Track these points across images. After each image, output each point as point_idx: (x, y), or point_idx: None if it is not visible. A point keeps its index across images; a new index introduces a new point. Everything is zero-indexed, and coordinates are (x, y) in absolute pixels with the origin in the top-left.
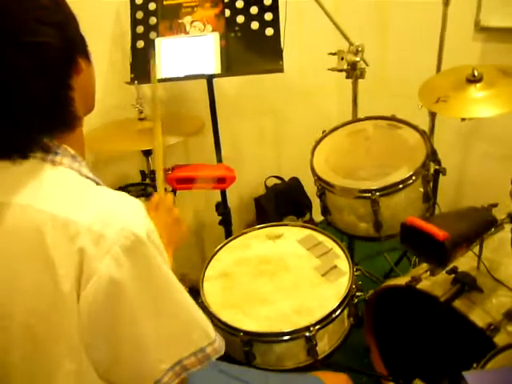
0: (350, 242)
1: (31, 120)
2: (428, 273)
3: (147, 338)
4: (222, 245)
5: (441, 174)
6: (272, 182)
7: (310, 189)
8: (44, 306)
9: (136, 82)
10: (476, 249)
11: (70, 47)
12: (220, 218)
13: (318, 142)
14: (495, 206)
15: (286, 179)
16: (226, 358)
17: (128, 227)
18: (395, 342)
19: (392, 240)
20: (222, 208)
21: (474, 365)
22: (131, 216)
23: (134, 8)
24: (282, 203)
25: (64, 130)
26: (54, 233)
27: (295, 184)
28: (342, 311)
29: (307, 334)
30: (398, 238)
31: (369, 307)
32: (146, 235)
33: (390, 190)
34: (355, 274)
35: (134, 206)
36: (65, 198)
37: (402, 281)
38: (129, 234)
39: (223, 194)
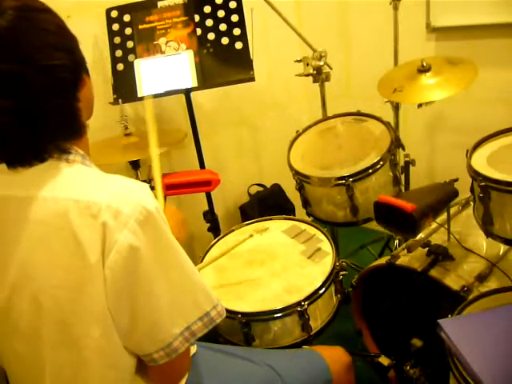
0: (333, 238)
1: (47, 131)
2: (405, 250)
3: (161, 301)
4: (212, 243)
5: (411, 165)
6: (255, 189)
7: (292, 193)
8: (74, 279)
9: (120, 101)
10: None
11: (77, 66)
12: (208, 225)
13: (292, 141)
14: (456, 180)
15: (268, 186)
16: (227, 342)
17: (141, 204)
18: (384, 320)
19: (373, 233)
20: (210, 215)
21: (450, 315)
22: (142, 194)
23: (112, 34)
24: (266, 209)
25: (74, 137)
26: (78, 214)
27: (277, 190)
28: (329, 286)
29: (299, 308)
30: (378, 230)
31: (356, 291)
32: (156, 210)
33: (361, 175)
34: (342, 274)
35: (142, 186)
36: (83, 185)
37: (382, 261)
38: (142, 209)
39: (209, 201)
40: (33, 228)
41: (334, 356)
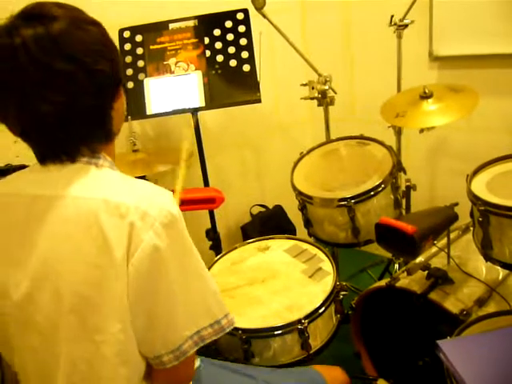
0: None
1: (82, 130)
2: (405, 273)
3: (177, 303)
4: (215, 260)
5: (412, 190)
6: (257, 210)
7: (294, 215)
8: (98, 275)
9: (129, 118)
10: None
11: (117, 77)
12: (210, 243)
13: (296, 163)
14: (456, 204)
15: (270, 207)
16: (227, 359)
17: (166, 207)
18: (382, 343)
19: (373, 257)
20: (212, 233)
21: (448, 337)
22: (167, 199)
23: (124, 53)
24: (268, 229)
25: (103, 143)
26: (106, 213)
27: (279, 211)
28: (329, 305)
29: (299, 326)
30: (378, 254)
31: (356, 313)
32: (179, 215)
33: (363, 197)
34: (342, 294)
35: (168, 192)
36: (112, 187)
37: (382, 283)
38: (167, 212)
39: (212, 220)
40: (60, 224)
41: (333, 376)
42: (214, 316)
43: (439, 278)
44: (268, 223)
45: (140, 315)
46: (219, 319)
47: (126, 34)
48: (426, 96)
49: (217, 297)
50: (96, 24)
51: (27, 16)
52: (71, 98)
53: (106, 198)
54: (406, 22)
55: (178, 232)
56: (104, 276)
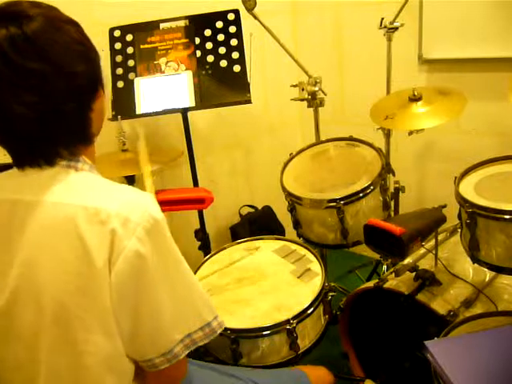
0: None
1: (59, 132)
2: (393, 274)
3: (164, 308)
4: (204, 260)
5: (400, 192)
6: (246, 210)
7: (283, 216)
8: (79, 283)
9: (119, 117)
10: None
11: (96, 77)
12: (199, 243)
13: (286, 164)
14: (444, 206)
15: (259, 207)
16: (215, 360)
17: (148, 212)
18: (370, 344)
19: (362, 258)
20: (201, 234)
21: (435, 338)
22: (149, 204)
23: (114, 52)
24: (257, 230)
25: (83, 145)
26: (86, 220)
27: (268, 212)
28: (318, 306)
29: (288, 326)
30: (367, 255)
31: (344, 314)
32: (162, 219)
33: (352, 198)
34: (330, 294)
35: (149, 196)
36: (92, 192)
37: (370, 284)
38: (149, 217)
39: (201, 220)
40: (38, 232)
41: (318, 376)
42: (204, 319)
43: (427, 280)
44: (257, 224)
45: (125, 322)
46: (209, 322)
47: (117, 33)
48: (415, 98)
49: (205, 299)
50: (73, 23)
51: (1, 16)
52: (46, 100)
53: (85, 203)
54: (395, 24)
55: (162, 236)
56: (85, 285)
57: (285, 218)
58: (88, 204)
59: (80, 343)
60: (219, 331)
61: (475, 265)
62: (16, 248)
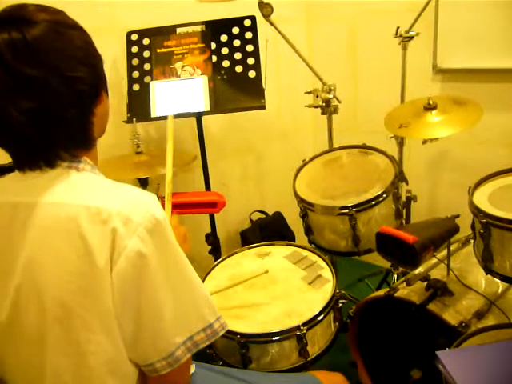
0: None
1: (59, 137)
2: (404, 284)
3: (165, 309)
4: (215, 264)
5: (412, 201)
6: (257, 216)
7: (293, 222)
8: (81, 283)
9: (134, 119)
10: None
11: (98, 82)
12: (209, 247)
13: (299, 170)
14: (457, 216)
15: (270, 213)
16: (224, 364)
17: (150, 212)
18: (379, 353)
19: (372, 267)
20: (212, 238)
21: (447, 349)
22: (151, 204)
23: (130, 55)
24: (267, 236)
25: (83, 148)
26: (88, 219)
27: (279, 218)
28: (328, 313)
29: (298, 333)
30: (377, 264)
31: (353, 322)
32: (163, 219)
33: (365, 205)
34: (341, 302)
35: (152, 196)
36: (93, 192)
37: (381, 292)
38: (151, 217)
39: (212, 224)
40: (40, 232)
41: (334, 382)
42: (206, 320)
43: (438, 290)
44: (267, 230)
45: (127, 323)
46: (211, 323)
47: (134, 37)
48: (430, 107)
49: (207, 300)
50: (78, 28)
51: (4, 19)
52: (46, 106)
53: (86, 203)
54: (411, 33)
55: (163, 237)
56: (87, 284)
57: (295, 224)
58: (90, 203)
59: (82, 343)
60: (221, 333)
61: (488, 276)
62: (18, 249)
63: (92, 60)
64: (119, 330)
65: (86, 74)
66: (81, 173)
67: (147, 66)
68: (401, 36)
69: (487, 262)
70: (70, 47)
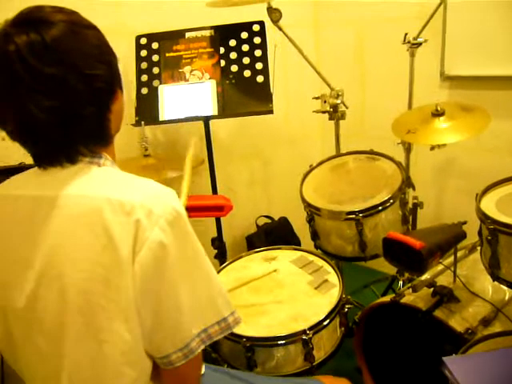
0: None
1: (78, 134)
2: (410, 290)
3: (183, 300)
4: (221, 268)
5: (419, 208)
6: (262, 221)
7: (299, 228)
8: (103, 272)
9: (143, 122)
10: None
11: (114, 80)
12: (215, 252)
13: (306, 175)
14: (464, 223)
15: (276, 218)
16: (229, 367)
17: (170, 204)
18: (384, 359)
19: (377, 274)
20: (218, 242)
21: (453, 355)
22: (171, 197)
23: (139, 59)
24: (272, 241)
25: (102, 145)
26: (111, 211)
27: (284, 223)
28: (334, 317)
29: (304, 337)
30: (382, 271)
31: (359, 328)
32: (183, 212)
33: (372, 211)
34: (347, 307)
35: (172, 190)
36: (115, 185)
37: (387, 298)
38: (172, 210)
39: (219, 229)
40: (63, 224)
41: None
42: (221, 314)
43: (445, 296)
44: (273, 235)
45: (147, 313)
46: (226, 317)
47: (143, 41)
48: (437, 114)
49: (223, 294)
50: (93, 28)
51: (22, 21)
52: (66, 104)
53: (109, 196)
54: (419, 40)
55: (183, 228)
56: (109, 274)
57: (301, 230)
58: (113, 196)
59: (102, 332)
60: (234, 327)
61: (495, 283)
62: (39, 240)
63: (107, 58)
64: (139, 321)
65: (103, 72)
66: (102, 168)
67: (156, 70)
68: (409, 42)
69: (494, 269)
70: (87, 46)
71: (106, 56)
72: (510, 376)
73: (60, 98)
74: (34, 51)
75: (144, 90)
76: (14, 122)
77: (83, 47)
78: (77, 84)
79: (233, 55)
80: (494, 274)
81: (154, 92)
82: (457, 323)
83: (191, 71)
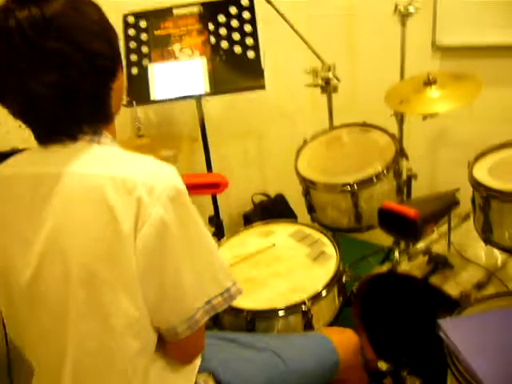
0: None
1: (80, 112)
2: (406, 259)
3: (186, 275)
4: (219, 243)
5: (413, 179)
6: (259, 198)
7: (295, 204)
8: (106, 248)
9: (134, 103)
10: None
11: (115, 56)
12: (213, 230)
13: (300, 149)
14: (457, 190)
15: (272, 195)
16: None
17: (171, 182)
18: (382, 327)
19: (374, 246)
20: (215, 220)
21: (448, 317)
22: (172, 174)
23: (128, 38)
24: (269, 218)
25: (103, 123)
26: (113, 189)
27: (280, 200)
28: (332, 288)
29: (303, 308)
30: (378, 243)
31: (356, 298)
32: (184, 189)
33: (366, 182)
34: (345, 277)
35: (171, 168)
36: (116, 163)
37: (384, 268)
38: (172, 187)
39: (215, 208)
40: (66, 201)
41: (342, 338)
42: (223, 285)
43: (439, 263)
44: (270, 212)
45: (150, 288)
46: (228, 287)
47: (131, 20)
48: (429, 83)
49: (224, 266)
50: (92, 4)
51: None
52: (67, 79)
53: (111, 173)
54: (410, 9)
55: (184, 205)
56: (112, 250)
57: (297, 206)
58: (114, 174)
59: (106, 306)
60: (237, 297)
61: (487, 249)
62: (42, 217)
63: (108, 34)
64: (143, 295)
65: (104, 49)
66: (102, 146)
67: (145, 49)
68: (400, 12)
69: (487, 234)
70: (87, 21)
71: (106, 32)
72: (503, 334)
73: (61, 74)
74: (34, 26)
75: (134, 70)
76: (16, 99)
77: (83, 23)
78: (77, 59)
79: (222, 31)
80: (487, 238)
81: (144, 71)
82: (451, 288)
83: (181, 49)
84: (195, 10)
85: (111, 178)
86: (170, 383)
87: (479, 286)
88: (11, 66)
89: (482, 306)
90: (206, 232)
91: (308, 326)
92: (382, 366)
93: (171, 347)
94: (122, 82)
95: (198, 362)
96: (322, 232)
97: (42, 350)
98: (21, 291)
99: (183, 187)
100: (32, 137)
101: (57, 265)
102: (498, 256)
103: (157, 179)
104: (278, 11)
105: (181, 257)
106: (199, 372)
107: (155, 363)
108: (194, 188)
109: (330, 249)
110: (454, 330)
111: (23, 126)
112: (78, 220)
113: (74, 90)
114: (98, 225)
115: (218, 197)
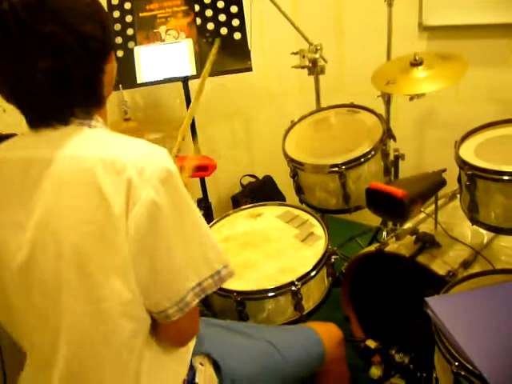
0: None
1: (73, 96)
2: (394, 239)
3: (177, 256)
4: (208, 226)
5: (400, 160)
6: (247, 180)
7: (283, 185)
8: (97, 230)
9: (120, 86)
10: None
11: (107, 40)
12: (201, 212)
13: (288, 131)
14: (444, 170)
15: (260, 177)
16: None
17: (162, 163)
18: (371, 307)
19: (362, 227)
20: (204, 202)
21: (435, 295)
22: (163, 156)
23: (112, 21)
24: (257, 200)
25: (95, 107)
26: (103, 170)
27: (269, 181)
28: (321, 268)
29: (293, 288)
30: (366, 224)
31: (345, 278)
32: (174, 170)
33: (354, 163)
34: (334, 257)
35: (162, 149)
36: (107, 145)
37: (372, 248)
38: (163, 168)
39: (204, 190)
40: (57, 184)
41: (327, 331)
42: (214, 267)
43: (427, 242)
44: (258, 193)
45: (142, 269)
46: (219, 270)
47: (115, 1)
48: (416, 63)
49: (216, 248)
50: None
51: None
52: (61, 65)
53: (102, 155)
54: None
55: (175, 186)
56: (103, 232)
57: (285, 187)
58: (105, 155)
59: (99, 288)
60: (228, 279)
61: (474, 228)
62: (33, 202)
63: (100, 16)
64: (135, 276)
65: (96, 31)
66: (93, 129)
67: (130, 31)
68: None
69: (473, 213)
70: (79, 4)
71: (98, 14)
72: (489, 311)
73: (55, 60)
74: (28, 9)
75: (120, 53)
76: (8, 83)
77: (76, 5)
78: (70, 43)
79: (208, 13)
80: (473, 218)
81: (129, 54)
82: (438, 267)
83: (167, 31)
84: None
85: (101, 159)
86: (164, 365)
87: (465, 264)
88: (5, 49)
89: (469, 284)
90: (198, 214)
91: (298, 306)
92: (371, 344)
93: (164, 330)
94: (114, 65)
95: (192, 344)
96: (310, 213)
97: (36, 334)
98: (12, 275)
99: (175, 169)
100: (16, 123)
101: (50, 247)
102: (484, 235)
103: (147, 161)
104: None
105: (173, 238)
106: (196, 355)
107: (150, 346)
108: (181, 171)
109: (318, 230)
110: (440, 307)
111: (7, 111)
112: (69, 203)
113: (68, 76)
114: (89, 207)
115: (207, 179)
